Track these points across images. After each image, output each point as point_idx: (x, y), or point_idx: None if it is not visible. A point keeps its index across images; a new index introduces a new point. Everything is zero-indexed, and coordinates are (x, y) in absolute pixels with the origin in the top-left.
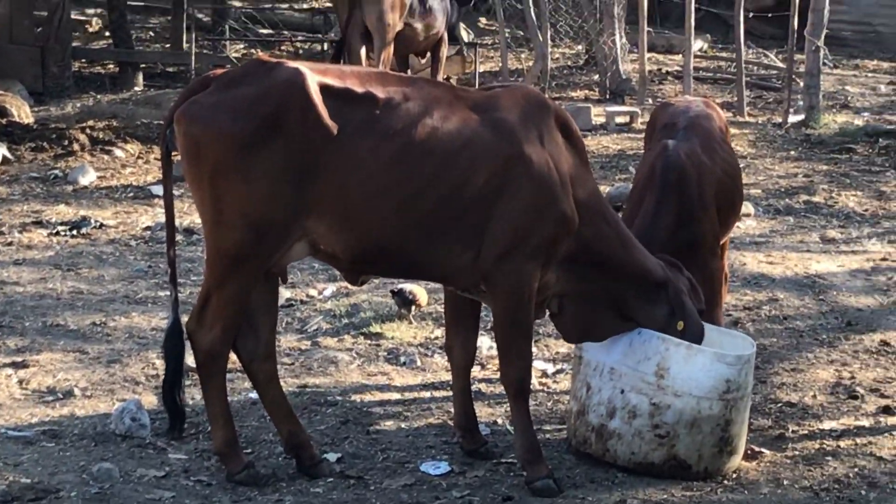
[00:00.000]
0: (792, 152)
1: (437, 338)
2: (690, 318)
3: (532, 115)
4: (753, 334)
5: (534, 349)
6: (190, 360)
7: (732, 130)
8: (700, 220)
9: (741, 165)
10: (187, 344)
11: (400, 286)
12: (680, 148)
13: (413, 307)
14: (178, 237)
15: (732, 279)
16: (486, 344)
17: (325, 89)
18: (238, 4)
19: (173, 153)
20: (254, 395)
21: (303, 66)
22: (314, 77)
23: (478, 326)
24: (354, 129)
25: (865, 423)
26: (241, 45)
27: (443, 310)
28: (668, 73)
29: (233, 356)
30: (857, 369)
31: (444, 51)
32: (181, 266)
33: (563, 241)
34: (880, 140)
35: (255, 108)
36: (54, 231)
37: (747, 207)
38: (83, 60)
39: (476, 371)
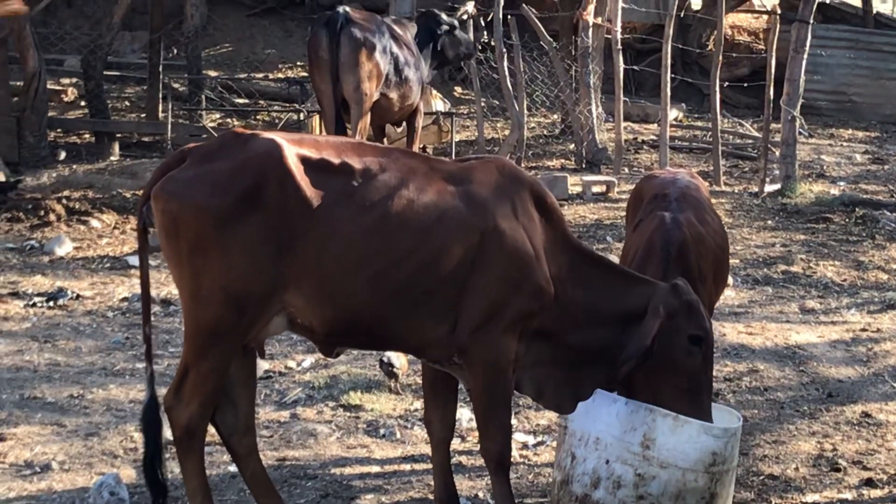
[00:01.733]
0: (769, 222)
1: (416, 409)
2: (638, 336)
3: (506, 188)
4: (734, 406)
5: (514, 421)
6: (169, 433)
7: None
8: (700, 292)
9: None
10: (165, 417)
11: (385, 356)
12: (679, 219)
13: (397, 376)
14: (156, 308)
15: (714, 350)
16: (465, 416)
17: (302, 160)
18: (214, 74)
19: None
20: (233, 468)
21: (278, 137)
22: (291, 148)
23: (456, 398)
24: (332, 201)
25: (848, 495)
26: (218, 115)
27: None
28: (643, 142)
29: (212, 429)
30: (838, 441)
31: (420, 120)
32: (159, 338)
33: (538, 314)
34: (857, 209)
35: (233, 182)
36: (31, 302)
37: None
38: (59, 130)
39: (456, 443)
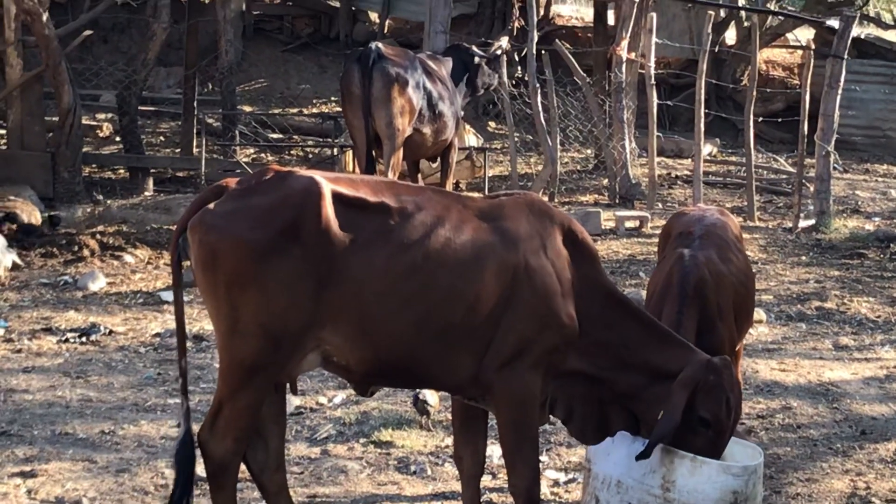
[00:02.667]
0: (803, 257)
1: (447, 446)
2: (668, 414)
3: (535, 225)
4: (767, 443)
5: (545, 458)
6: (200, 469)
7: (743, 235)
8: (718, 329)
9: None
10: (197, 453)
11: (419, 393)
12: (698, 257)
13: (430, 414)
14: (188, 343)
15: (745, 387)
16: (496, 453)
17: (339, 198)
18: (248, 109)
19: (184, 262)
20: None
21: (317, 175)
22: (329, 186)
23: (486, 435)
24: (369, 239)
25: None
26: (251, 150)
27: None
28: (677, 177)
29: (242, 466)
30: (872, 479)
31: (454, 156)
32: (191, 373)
33: (564, 351)
34: (891, 245)
35: (272, 217)
36: (64, 338)
37: (759, 314)
38: (94, 166)
39: (487, 480)
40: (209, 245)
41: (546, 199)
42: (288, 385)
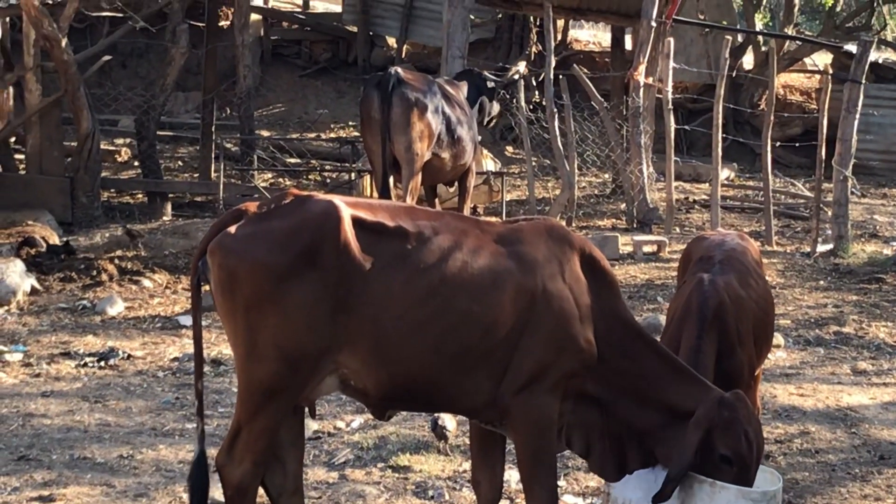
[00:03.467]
0: (821, 282)
1: (465, 471)
2: (681, 454)
3: (553, 250)
4: (785, 468)
5: (562, 482)
6: (217, 493)
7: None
8: (738, 354)
9: None
10: (213, 477)
11: (438, 418)
12: (717, 281)
13: (448, 439)
14: (206, 368)
15: (764, 411)
16: (514, 478)
17: (357, 223)
18: (266, 134)
19: (203, 285)
20: None
21: (336, 199)
22: (347, 210)
23: (504, 459)
24: (387, 263)
25: None
26: (269, 175)
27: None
28: (695, 201)
29: (260, 490)
30: None
31: (472, 180)
32: (209, 398)
33: (582, 376)
34: None
35: (291, 241)
36: (82, 362)
37: (777, 339)
38: (112, 190)
39: None
40: (228, 268)
41: (564, 223)
42: (307, 409)
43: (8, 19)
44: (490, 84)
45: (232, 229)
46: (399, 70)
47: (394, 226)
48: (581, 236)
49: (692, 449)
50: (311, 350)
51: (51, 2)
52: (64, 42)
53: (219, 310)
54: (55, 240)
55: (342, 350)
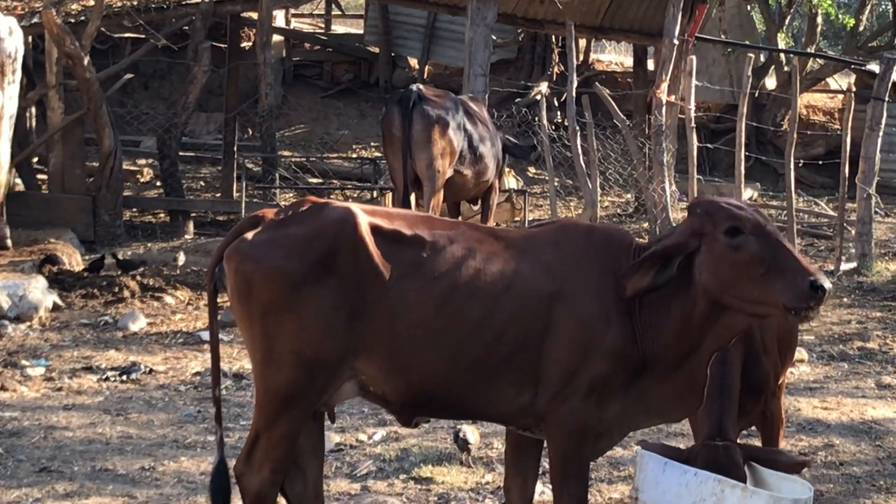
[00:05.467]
0: (845, 299)
1: (487, 483)
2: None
3: (571, 249)
4: (810, 480)
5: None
6: (239, 502)
7: None
8: (763, 364)
9: None
10: (235, 487)
11: (460, 430)
12: None
13: (470, 450)
14: (227, 382)
15: (788, 425)
16: (538, 489)
17: (374, 230)
18: (288, 154)
19: (221, 294)
20: None
21: (353, 206)
22: (364, 217)
23: (538, 469)
24: (402, 272)
25: None
26: (291, 194)
27: (492, 454)
28: None
29: (281, 499)
30: None
31: (495, 198)
32: (230, 411)
33: (622, 376)
34: None
35: (308, 247)
36: (104, 377)
37: (801, 353)
38: (134, 210)
39: None
40: (244, 274)
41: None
42: (327, 415)
43: (31, 39)
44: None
45: (248, 235)
46: (420, 87)
47: (410, 234)
48: (605, 228)
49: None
50: (327, 357)
51: (73, 20)
52: (86, 60)
53: (235, 316)
54: (77, 258)
55: (359, 357)
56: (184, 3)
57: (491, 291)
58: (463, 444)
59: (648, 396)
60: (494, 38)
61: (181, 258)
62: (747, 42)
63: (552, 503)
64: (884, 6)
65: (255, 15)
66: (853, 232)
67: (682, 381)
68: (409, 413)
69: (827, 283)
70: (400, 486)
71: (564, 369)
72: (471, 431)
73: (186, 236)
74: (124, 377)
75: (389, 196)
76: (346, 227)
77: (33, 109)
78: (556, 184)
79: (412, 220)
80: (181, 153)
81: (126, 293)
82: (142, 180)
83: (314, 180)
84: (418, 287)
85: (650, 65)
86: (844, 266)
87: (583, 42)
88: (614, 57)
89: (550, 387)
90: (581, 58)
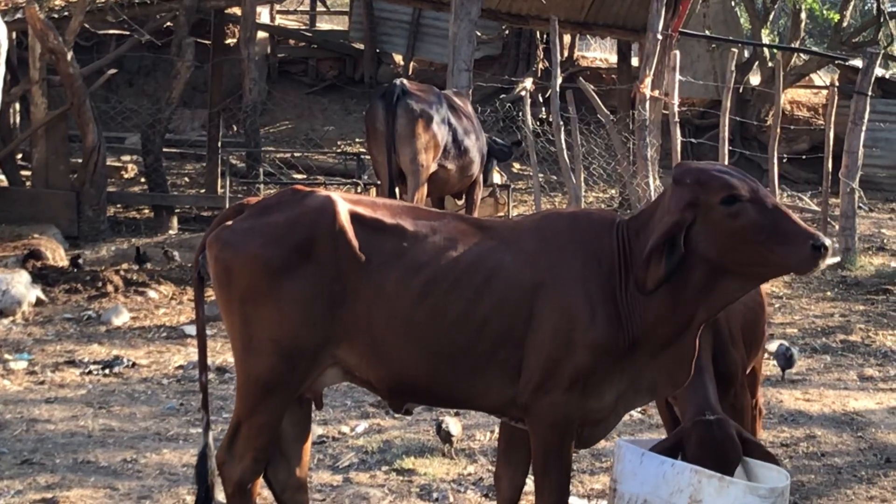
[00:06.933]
0: (828, 293)
1: (469, 474)
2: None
3: (556, 238)
4: (791, 471)
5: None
6: (222, 495)
7: None
8: (731, 354)
9: (777, 305)
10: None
11: (442, 421)
12: None
13: (453, 442)
14: (211, 375)
15: (770, 416)
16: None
17: (355, 218)
18: (272, 149)
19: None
20: None
21: (335, 195)
22: (345, 205)
23: (528, 462)
24: (383, 260)
25: None
26: (275, 189)
27: (474, 446)
28: None
29: (266, 492)
30: None
31: (479, 192)
32: (213, 404)
33: (611, 364)
34: None
35: (287, 234)
36: (87, 370)
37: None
38: (118, 206)
39: None
40: (224, 261)
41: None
42: (313, 402)
43: (14, 34)
44: (497, 146)
45: (230, 223)
46: (404, 81)
47: (392, 223)
48: (588, 213)
49: (662, 232)
50: (307, 344)
51: (56, 16)
52: (70, 55)
53: (217, 303)
54: (61, 253)
55: (340, 345)
56: None
57: (472, 282)
58: (445, 436)
59: (641, 375)
60: (479, 34)
61: (177, 254)
62: (731, 38)
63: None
64: (867, 3)
65: (239, 11)
66: (837, 227)
67: (673, 355)
68: (398, 399)
69: (826, 241)
70: (382, 477)
71: (547, 361)
72: (453, 423)
73: (171, 232)
74: (107, 371)
75: (373, 191)
76: (325, 215)
77: (17, 105)
78: (540, 179)
79: (396, 209)
80: (166, 149)
81: (109, 288)
82: (126, 176)
83: (298, 176)
84: (398, 276)
85: (634, 61)
86: (828, 260)
87: (568, 38)
88: (599, 54)
89: (531, 379)
90: (566, 54)
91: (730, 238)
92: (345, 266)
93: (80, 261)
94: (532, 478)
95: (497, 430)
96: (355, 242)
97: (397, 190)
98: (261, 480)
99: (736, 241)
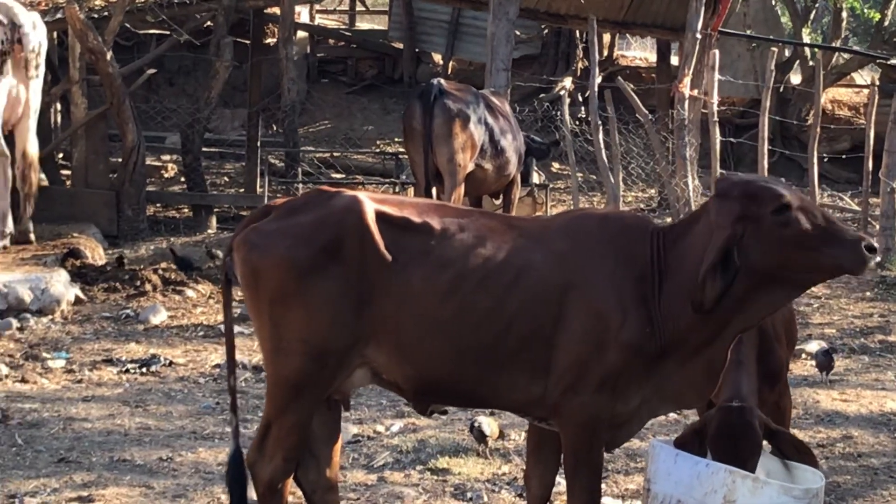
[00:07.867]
0: (867, 293)
1: (504, 473)
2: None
3: (586, 238)
4: (827, 472)
5: (603, 485)
6: (253, 494)
7: None
8: (777, 352)
9: (815, 306)
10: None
11: (476, 420)
12: None
13: (487, 442)
14: (247, 374)
15: (806, 416)
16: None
17: (382, 217)
18: (310, 149)
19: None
20: None
21: (361, 195)
22: (372, 205)
23: (558, 461)
24: (409, 259)
25: None
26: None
27: (509, 446)
28: None
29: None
30: None
31: (517, 192)
32: (249, 402)
33: (640, 368)
34: None
35: (314, 235)
36: (124, 369)
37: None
38: (158, 205)
39: None
40: (251, 263)
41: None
42: (342, 403)
43: (54, 34)
44: (535, 145)
45: (257, 225)
46: (442, 81)
47: (419, 221)
48: (621, 215)
49: (717, 246)
50: (336, 344)
51: (96, 15)
52: (109, 55)
53: (246, 305)
54: (100, 252)
55: (369, 344)
56: None
57: (501, 280)
58: (480, 436)
59: (667, 383)
60: (518, 33)
61: (220, 253)
62: (771, 37)
63: (566, 494)
64: None
65: (278, 11)
66: (877, 226)
67: (701, 366)
68: (424, 401)
69: (875, 243)
70: (416, 477)
71: (576, 362)
72: (487, 423)
73: (209, 231)
74: (144, 369)
75: (411, 191)
76: (352, 215)
77: (57, 105)
78: (578, 179)
79: (423, 207)
80: (205, 149)
81: (148, 287)
82: (166, 176)
83: (337, 175)
84: (425, 275)
85: (674, 60)
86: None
87: (607, 38)
88: (638, 53)
89: (562, 380)
90: (605, 53)
91: (783, 246)
92: (372, 265)
93: (125, 260)
94: (563, 477)
95: None
96: (382, 241)
97: (434, 190)
98: (291, 481)
99: (788, 248)
